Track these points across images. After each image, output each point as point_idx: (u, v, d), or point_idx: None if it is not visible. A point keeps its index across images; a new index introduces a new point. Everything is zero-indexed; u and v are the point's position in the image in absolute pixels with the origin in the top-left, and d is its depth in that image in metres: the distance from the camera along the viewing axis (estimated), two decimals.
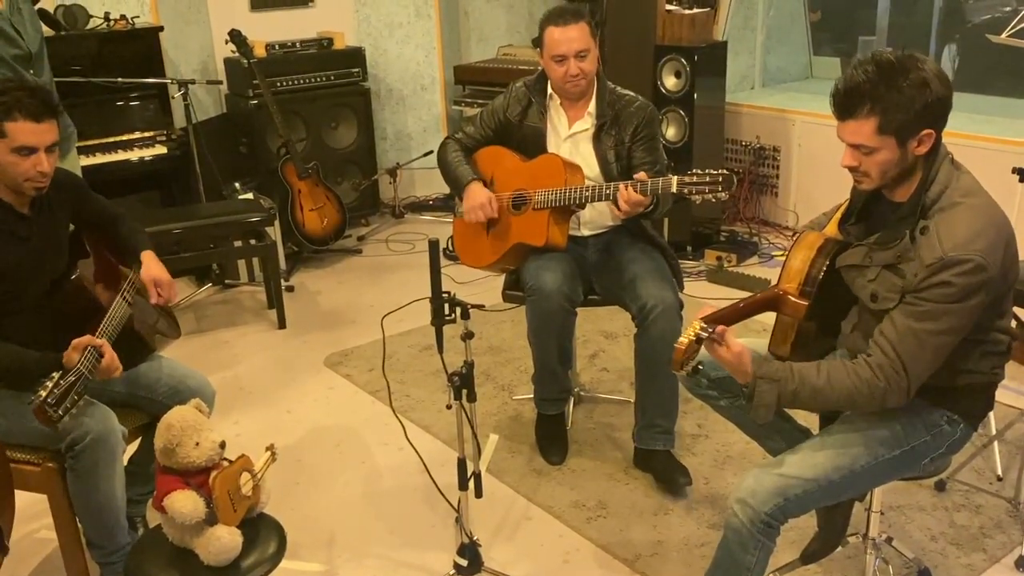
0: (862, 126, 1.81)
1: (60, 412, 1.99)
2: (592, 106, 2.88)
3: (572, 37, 2.76)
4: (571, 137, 2.91)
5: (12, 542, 2.02)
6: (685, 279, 3.09)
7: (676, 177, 2.55)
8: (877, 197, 1.98)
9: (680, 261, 3.07)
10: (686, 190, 2.53)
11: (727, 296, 4.26)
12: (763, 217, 5.19)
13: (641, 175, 2.63)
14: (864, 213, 2.04)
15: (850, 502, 2.24)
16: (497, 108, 2.99)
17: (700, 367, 2.06)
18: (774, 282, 2.12)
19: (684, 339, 1.98)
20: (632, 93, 2.92)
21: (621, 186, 2.62)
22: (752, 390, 1.92)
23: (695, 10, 4.72)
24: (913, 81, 1.77)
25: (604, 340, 3.90)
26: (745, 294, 4.25)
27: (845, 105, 1.83)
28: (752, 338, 2.14)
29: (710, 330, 1.96)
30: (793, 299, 2.03)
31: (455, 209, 3.08)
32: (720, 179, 2.49)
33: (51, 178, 2.27)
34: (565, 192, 2.76)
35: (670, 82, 4.62)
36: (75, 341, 2.11)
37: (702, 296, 4.27)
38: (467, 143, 3.03)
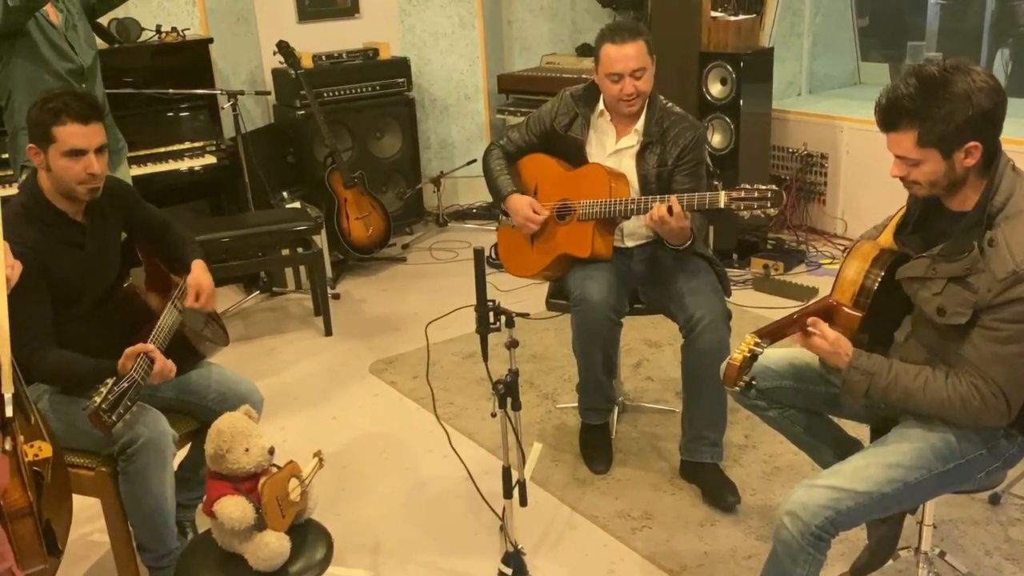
0: (903, 139, 1.83)
1: (114, 418, 2.02)
2: (640, 123, 2.83)
3: (628, 55, 2.71)
4: (616, 153, 2.88)
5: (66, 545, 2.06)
6: (731, 287, 3.05)
7: (724, 193, 2.53)
8: (935, 206, 1.95)
9: (726, 269, 3.04)
10: (734, 206, 2.50)
11: (773, 305, 4.22)
12: (811, 225, 5.12)
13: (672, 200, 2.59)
14: (921, 223, 2.00)
15: (901, 515, 2.20)
16: (544, 115, 2.98)
17: (753, 382, 2.05)
18: (826, 292, 2.09)
19: (738, 355, 1.98)
20: (682, 111, 2.87)
21: (665, 200, 2.59)
22: (844, 377, 1.94)
23: (741, 17, 4.69)
24: (955, 94, 1.76)
25: (648, 349, 3.88)
26: (792, 303, 4.23)
27: (886, 118, 1.85)
28: (803, 348, 2.11)
29: (765, 345, 1.95)
30: (847, 310, 2.00)
31: (499, 217, 3.08)
32: (769, 195, 2.47)
33: (103, 182, 2.32)
34: (609, 204, 2.74)
35: (715, 89, 4.59)
36: (128, 349, 2.15)
37: (749, 305, 4.23)
38: (511, 150, 3.03)
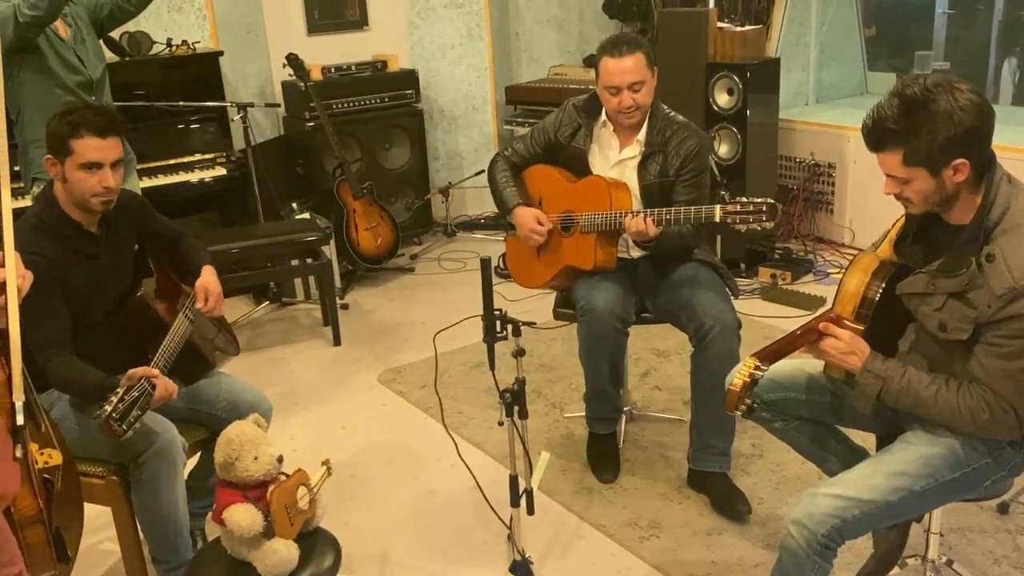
0: (890, 159, 1.84)
1: (125, 427, 2.04)
2: (642, 134, 2.84)
3: (626, 68, 2.72)
4: (619, 163, 2.89)
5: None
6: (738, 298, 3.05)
7: (719, 206, 2.54)
8: (933, 218, 1.95)
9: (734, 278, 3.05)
10: (729, 219, 2.51)
11: (781, 314, 4.22)
12: (818, 234, 5.13)
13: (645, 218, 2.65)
14: (920, 234, 2.01)
15: (907, 523, 2.20)
16: (548, 126, 2.99)
17: (755, 405, 2.05)
18: (829, 304, 2.10)
19: (738, 380, 1.98)
20: (684, 120, 2.87)
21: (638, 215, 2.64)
22: (857, 379, 1.95)
23: (747, 27, 4.71)
24: (936, 114, 1.76)
25: (656, 358, 3.88)
26: (800, 312, 4.23)
27: (872, 140, 1.87)
28: (807, 359, 2.12)
29: (765, 368, 1.96)
30: (849, 323, 2.00)
31: (507, 228, 3.10)
32: (764, 208, 2.47)
33: (117, 195, 2.35)
34: (610, 216, 2.76)
35: (722, 99, 4.60)
36: (130, 372, 2.14)
37: (756, 315, 4.23)
38: (516, 160, 3.05)
